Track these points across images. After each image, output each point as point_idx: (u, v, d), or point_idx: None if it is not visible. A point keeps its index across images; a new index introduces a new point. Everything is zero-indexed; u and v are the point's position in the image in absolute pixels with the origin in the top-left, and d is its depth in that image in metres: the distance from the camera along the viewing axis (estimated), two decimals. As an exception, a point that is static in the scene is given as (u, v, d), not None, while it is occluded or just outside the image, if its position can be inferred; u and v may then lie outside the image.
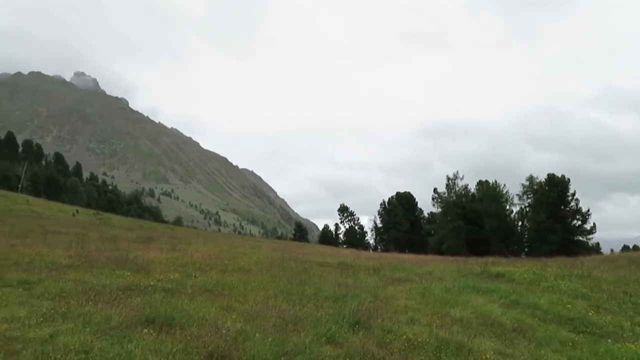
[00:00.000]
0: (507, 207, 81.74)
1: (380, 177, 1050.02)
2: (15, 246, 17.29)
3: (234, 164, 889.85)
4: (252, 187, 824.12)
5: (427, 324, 10.14)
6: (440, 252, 63.35)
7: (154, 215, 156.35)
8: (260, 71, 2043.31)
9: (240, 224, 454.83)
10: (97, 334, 7.21)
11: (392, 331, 9.23)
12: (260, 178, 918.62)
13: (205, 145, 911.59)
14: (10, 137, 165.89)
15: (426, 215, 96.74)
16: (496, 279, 18.64)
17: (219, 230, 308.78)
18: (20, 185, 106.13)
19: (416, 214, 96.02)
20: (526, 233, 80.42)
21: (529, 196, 78.44)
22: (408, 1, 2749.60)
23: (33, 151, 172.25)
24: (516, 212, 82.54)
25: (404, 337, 8.88)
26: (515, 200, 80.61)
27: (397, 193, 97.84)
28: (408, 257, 32.93)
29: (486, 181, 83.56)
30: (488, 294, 14.53)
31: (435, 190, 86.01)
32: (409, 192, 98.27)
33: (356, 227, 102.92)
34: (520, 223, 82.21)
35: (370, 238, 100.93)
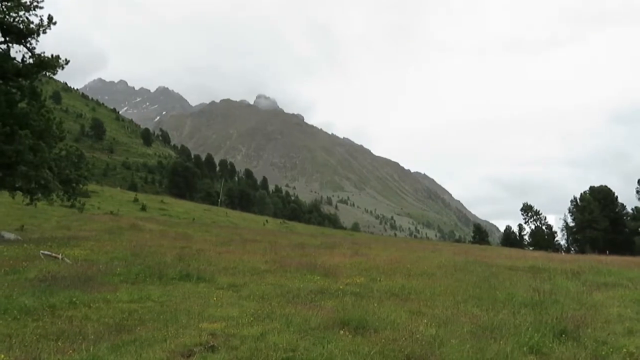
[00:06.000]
0: None
1: (566, 171, 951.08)
2: (221, 253, 19.67)
3: (406, 168, 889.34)
4: (426, 190, 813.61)
5: (652, 336, 8.70)
6: (653, 253, 54.56)
7: (333, 222, 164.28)
8: (423, 74, 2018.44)
9: (416, 228, 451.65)
10: (299, 333, 7.71)
11: (607, 343, 8.11)
12: (433, 180, 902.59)
13: (376, 152, 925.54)
14: (209, 159, 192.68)
15: (630, 211, 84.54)
16: None
17: (395, 234, 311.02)
18: (219, 200, 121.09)
19: (617, 210, 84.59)
20: None
21: None
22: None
23: (227, 169, 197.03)
24: None
25: (624, 350, 7.72)
26: None
27: (591, 188, 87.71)
28: (611, 259, 28.89)
29: None
30: None
31: (640, 181, 74.85)
32: (605, 186, 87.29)
33: (543, 228, 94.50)
34: None
35: (560, 239, 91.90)
